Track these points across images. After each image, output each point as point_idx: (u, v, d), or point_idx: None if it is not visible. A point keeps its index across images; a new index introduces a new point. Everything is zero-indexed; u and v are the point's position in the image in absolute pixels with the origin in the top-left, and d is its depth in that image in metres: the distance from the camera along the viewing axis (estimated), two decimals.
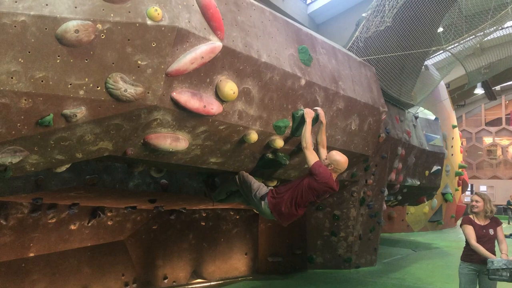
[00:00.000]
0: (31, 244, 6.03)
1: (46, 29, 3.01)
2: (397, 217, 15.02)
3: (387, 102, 9.10)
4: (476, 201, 4.72)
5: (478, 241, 4.59)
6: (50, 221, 6.13)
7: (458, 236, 14.43)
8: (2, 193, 4.61)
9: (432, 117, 12.33)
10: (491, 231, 4.67)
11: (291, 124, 4.81)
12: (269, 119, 4.56)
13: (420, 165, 10.91)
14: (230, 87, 3.91)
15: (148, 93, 3.44)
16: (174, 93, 3.59)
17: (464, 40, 9.55)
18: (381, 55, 7.89)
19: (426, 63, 11.05)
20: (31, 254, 6.10)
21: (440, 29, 9.26)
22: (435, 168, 11.53)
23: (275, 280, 8.27)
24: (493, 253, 4.56)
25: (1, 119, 3.03)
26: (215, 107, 3.89)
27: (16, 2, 2.92)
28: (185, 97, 3.64)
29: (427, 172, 11.30)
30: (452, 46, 9.07)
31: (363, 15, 7.89)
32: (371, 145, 6.28)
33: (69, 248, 6.54)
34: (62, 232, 6.36)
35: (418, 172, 10.96)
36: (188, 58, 3.53)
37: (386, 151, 8.82)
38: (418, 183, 10.94)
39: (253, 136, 4.43)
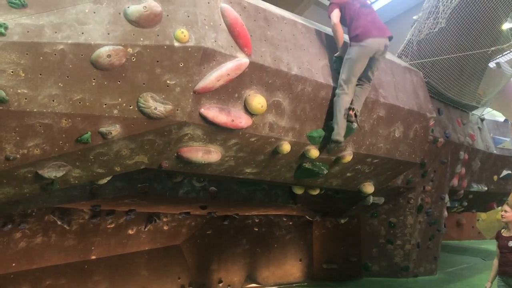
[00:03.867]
0: (93, 248, 6.53)
1: (82, 55, 3.31)
2: (467, 223, 14.25)
3: (448, 105, 8.76)
4: (505, 211, 4.59)
5: (501, 253, 4.62)
6: (109, 226, 6.60)
7: None
8: (62, 201, 5.07)
9: (501, 118, 11.61)
10: (510, 243, 4.54)
11: (326, 134, 4.83)
12: (302, 129, 4.63)
13: (487, 169, 10.32)
14: (258, 101, 4.04)
15: (177, 110, 3.66)
16: (203, 109, 3.79)
17: None
18: (436, 58, 7.62)
19: (498, 60, 10.47)
20: (93, 257, 6.61)
21: (508, 25, 8.75)
22: (505, 172, 10.85)
23: (330, 287, 8.24)
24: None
25: (45, 137, 3.38)
26: (243, 120, 4.04)
27: (55, 32, 3.24)
28: (213, 112, 3.83)
29: (495, 177, 10.66)
30: None
31: (414, 18, 7.66)
32: (418, 152, 6.10)
33: (128, 251, 7.01)
34: (120, 237, 6.82)
35: (485, 177, 10.38)
36: (214, 76, 3.71)
37: (446, 156, 8.47)
38: (486, 188, 10.36)
39: (286, 147, 4.52)
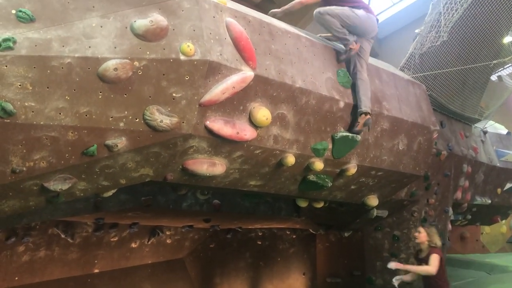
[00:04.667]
0: (96, 261, 6.51)
1: (89, 68, 3.34)
2: (471, 237, 14.15)
3: (450, 118, 8.77)
4: (419, 232, 5.11)
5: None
6: (112, 239, 6.59)
7: None
8: (66, 214, 5.07)
9: (504, 131, 11.62)
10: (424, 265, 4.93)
11: (330, 147, 4.85)
12: (307, 142, 4.65)
13: (490, 182, 10.29)
14: (262, 114, 4.07)
15: (183, 122, 3.68)
16: (208, 122, 3.81)
17: None
18: (438, 71, 7.65)
19: (500, 73, 10.52)
20: (96, 270, 6.59)
21: (510, 39, 8.80)
22: (508, 185, 10.81)
23: None
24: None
25: (51, 150, 3.39)
26: (248, 133, 4.06)
27: (63, 46, 3.28)
28: (218, 125, 3.85)
29: (499, 190, 10.62)
30: None
31: (416, 31, 7.73)
32: (422, 165, 6.11)
33: (131, 265, 6.98)
34: (124, 250, 6.80)
35: (488, 190, 10.34)
36: (220, 89, 3.74)
37: (449, 169, 8.46)
38: (489, 201, 10.32)
39: (290, 159, 4.53)
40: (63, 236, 6.05)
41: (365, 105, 4.89)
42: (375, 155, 5.38)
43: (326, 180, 5.13)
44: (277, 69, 4.20)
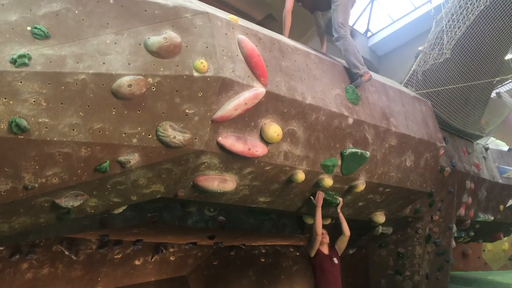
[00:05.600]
0: (99, 279, 6.43)
1: (103, 85, 3.34)
2: (473, 254, 14.07)
3: (453, 134, 8.80)
4: (323, 233, 5.33)
5: (327, 274, 5.09)
6: (116, 256, 6.51)
7: None
8: (72, 230, 5.01)
9: (505, 147, 11.66)
10: (335, 260, 5.19)
11: (340, 163, 4.85)
12: (316, 158, 4.64)
13: (493, 199, 10.28)
14: (274, 130, 4.07)
15: (195, 139, 3.67)
16: (220, 138, 3.81)
17: None
18: (441, 88, 7.70)
19: (499, 90, 10.59)
20: None
21: (510, 56, 8.89)
22: (511, 202, 10.81)
23: None
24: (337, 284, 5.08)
25: (64, 166, 3.37)
26: (259, 149, 4.06)
27: (77, 62, 3.28)
28: (230, 141, 3.85)
29: (501, 207, 10.61)
30: None
31: (419, 48, 7.79)
32: (429, 181, 6.11)
33: (134, 282, 6.90)
34: (127, 267, 6.72)
35: (491, 206, 10.33)
36: (232, 105, 3.75)
37: (452, 186, 8.45)
38: (492, 218, 10.30)
39: (300, 176, 4.52)
40: (67, 253, 5.98)
41: (357, 67, 5.04)
42: (383, 172, 5.38)
43: (335, 196, 5.12)
44: (287, 86, 4.21)
